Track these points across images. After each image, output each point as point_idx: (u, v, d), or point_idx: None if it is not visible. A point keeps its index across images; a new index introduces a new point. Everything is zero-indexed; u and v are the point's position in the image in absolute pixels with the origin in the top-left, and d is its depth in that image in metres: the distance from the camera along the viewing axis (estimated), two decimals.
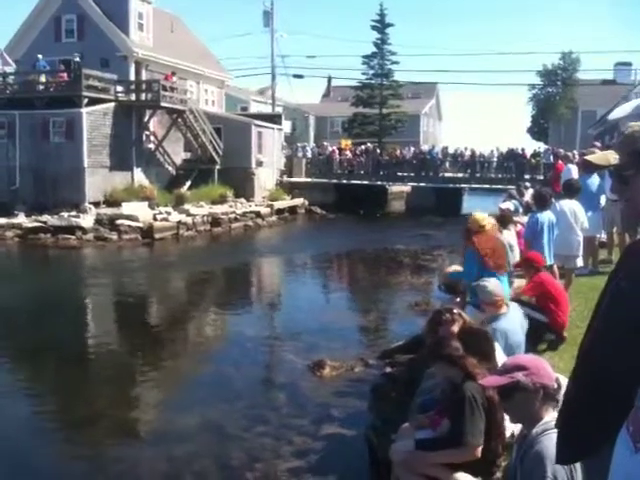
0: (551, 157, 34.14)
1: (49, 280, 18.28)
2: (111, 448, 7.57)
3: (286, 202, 36.17)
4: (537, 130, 60.73)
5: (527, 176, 34.54)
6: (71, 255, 22.70)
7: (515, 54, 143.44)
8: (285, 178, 38.98)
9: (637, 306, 1.78)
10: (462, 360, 4.22)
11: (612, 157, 2.05)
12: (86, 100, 27.61)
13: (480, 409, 3.98)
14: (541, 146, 45.30)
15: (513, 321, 5.58)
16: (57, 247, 23.59)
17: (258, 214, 32.10)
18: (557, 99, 54.36)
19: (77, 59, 29.69)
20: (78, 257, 22.62)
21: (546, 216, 8.68)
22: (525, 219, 10.97)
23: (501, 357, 4.89)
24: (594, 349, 1.95)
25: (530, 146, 44.38)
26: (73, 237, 24.45)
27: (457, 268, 7.76)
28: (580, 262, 9.37)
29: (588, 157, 11.14)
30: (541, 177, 33.53)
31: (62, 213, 25.64)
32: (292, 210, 36.10)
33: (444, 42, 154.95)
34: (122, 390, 9.87)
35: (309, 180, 39.58)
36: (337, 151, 42.54)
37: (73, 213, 25.81)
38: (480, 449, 3.98)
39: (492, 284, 5.80)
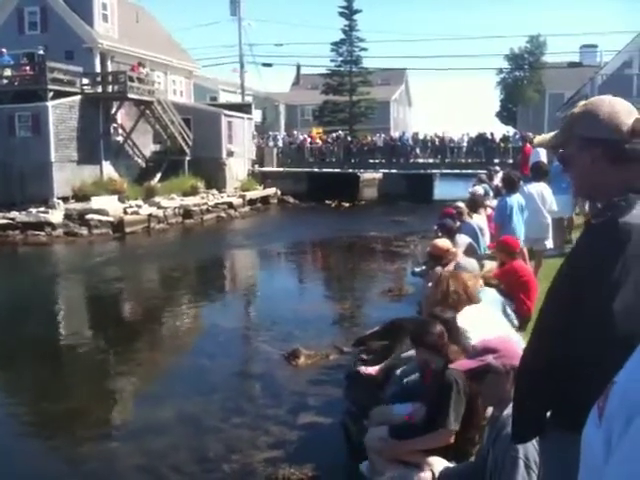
0: (520, 141, 34.40)
1: (19, 278, 18.00)
2: (87, 444, 7.50)
3: (258, 192, 35.93)
4: (506, 114, 61.21)
5: (497, 160, 34.79)
6: (41, 252, 22.36)
7: (483, 38, 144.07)
8: (257, 168, 38.70)
9: (576, 286, 1.83)
10: (445, 347, 4.24)
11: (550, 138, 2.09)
12: (51, 93, 27.15)
13: (462, 395, 4.00)
14: (510, 130, 45.67)
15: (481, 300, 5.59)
16: (26, 244, 23.20)
17: (230, 205, 31.88)
18: (525, 83, 54.80)
19: (41, 52, 29.17)
20: (48, 254, 22.31)
21: (515, 199, 8.75)
22: (495, 203, 11.06)
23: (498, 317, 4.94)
24: (540, 329, 2.00)
25: (499, 130, 44.75)
26: (42, 233, 24.04)
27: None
28: (550, 244, 9.47)
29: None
30: (510, 161, 33.77)
31: (30, 209, 25.17)
32: (264, 200, 35.90)
33: (412, 28, 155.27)
34: (97, 386, 9.78)
35: (281, 169, 39.41)
36: (308, 139, 42.44)
37: (42, 209, 25.33)
38: (454, 435, 4.00)
39: (470, 263, 5.83)
